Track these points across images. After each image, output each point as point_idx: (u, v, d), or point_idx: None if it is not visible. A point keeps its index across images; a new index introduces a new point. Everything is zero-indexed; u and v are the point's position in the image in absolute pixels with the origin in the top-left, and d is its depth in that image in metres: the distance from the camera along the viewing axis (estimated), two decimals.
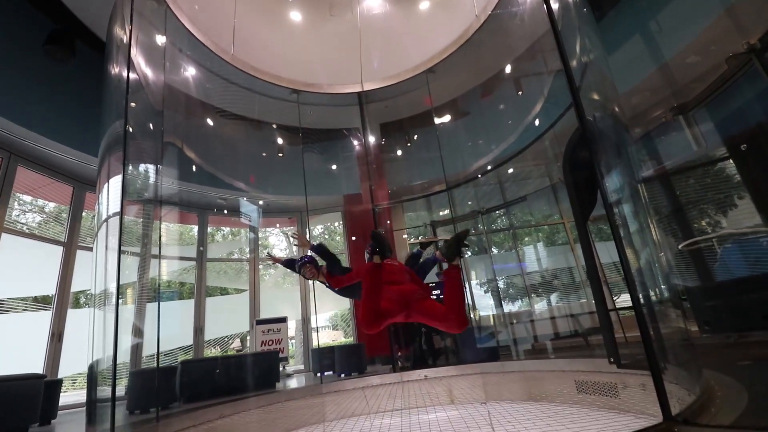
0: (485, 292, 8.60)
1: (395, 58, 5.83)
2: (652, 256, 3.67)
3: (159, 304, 5.98)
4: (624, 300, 7.14)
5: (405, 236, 8.65)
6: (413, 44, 5.60)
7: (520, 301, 8.52)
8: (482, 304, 8.15)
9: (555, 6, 3.67)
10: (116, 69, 4.21)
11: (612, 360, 3.48)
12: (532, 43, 5.36)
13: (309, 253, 3.32)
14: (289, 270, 3.41)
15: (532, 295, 7.96)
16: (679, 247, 4.27)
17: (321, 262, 3.24)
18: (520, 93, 6.23)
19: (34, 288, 6.78)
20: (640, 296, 2.75)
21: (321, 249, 3.18)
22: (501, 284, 8.41)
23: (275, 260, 3.57)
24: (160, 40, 5.00)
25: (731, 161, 5.11)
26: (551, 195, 7.11)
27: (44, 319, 6.36)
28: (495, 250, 9.65)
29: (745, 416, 1.55)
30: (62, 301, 6.49)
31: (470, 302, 7.57)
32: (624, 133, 4.44)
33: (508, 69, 6.18)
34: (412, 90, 6.40)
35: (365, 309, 2.21)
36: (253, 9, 5.32)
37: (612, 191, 3.08)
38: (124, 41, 4.02)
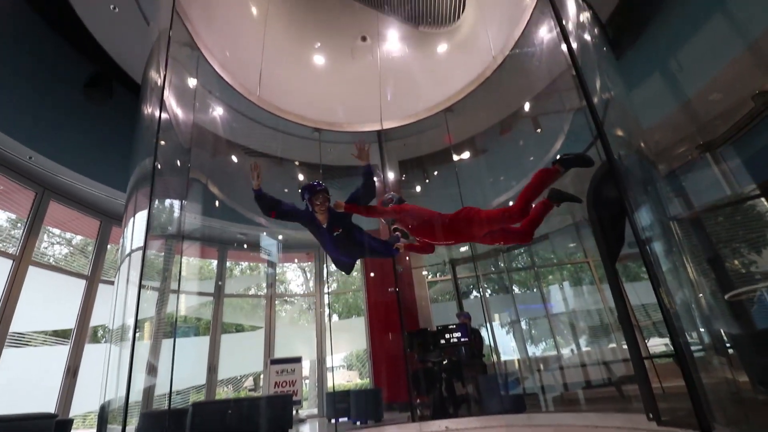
0: (507, 333, 8.24)
1: (414, 98, 5.98)
2: (689, 298, 3.43)
3: (174, 341, 5.92)
4: (655, 344, 6.70)
5: (425, 272, 8.48)
6: (431, 85, 5.74)
7: (544, 343, 8.12)
8: (505, 347, 7.78)
9: (574, 45, 3.72)
10: (149, 109, 4.40)
11: (651, 416, 3.18)
12: (550, 81, 5.42)
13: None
14: (286, 217, 3.09)
15: (558, 337, 7.56)
16: (726, 297, 3.99)
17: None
18: (539, 131, 6.23)
19: (55, 321, 6.85)
20: (681, 342, 2.54)
21: (372, 170, 2.95)
22: (524, 324, 8.07)
23: (256, 172, 3.08)
24: (192, 82, 5.28)
25: (763, 199, 4.88)
26: (574, 233, 6.91)
27: (61, 353, 6.36)
28: (517, 289, 9.32)
29: None
30: (80, 335, 6.50)
31: (492, 344, 7.24)
32: (651, 169, 4.33)
33: (526, 107, 6.23)
34: (431, 128, 6.50)
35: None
36: (279, 54, 5.61)
37: (641, 228, 2.95)
38: (159, 84, 4.24)
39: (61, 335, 6.92)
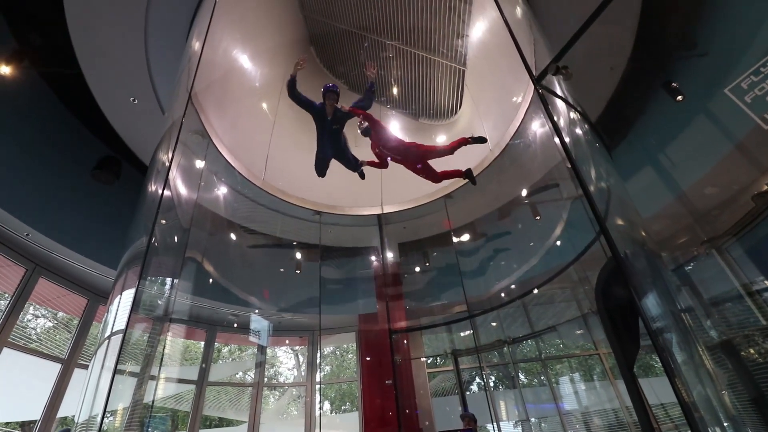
0: (514, 427, 7.55)
1: (414, 185, 6.12)
2: (709, 395, 3.12)
3: None
4: None
5: (423, 359, 7.97)
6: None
7: None
8: None
9: (567, 140, 3.87)
10: (153, 188, 4.43)
11: None
12: (546, 171, 5.59)
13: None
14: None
15: None
16: None
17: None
18: (538, 218, 6.29)
19: (22, 412, 6.22)
20: None
21: (374, 87, 4.24)
22: (533, 419, 7.39)
23: (300, 63, 4.04)
24: (199, 164, 5.43)
25: None
26: (582, 323, 6.62)
27: None
28: (523, 377, 8.71)
29: None
30: (45, 427, 5.87)
31: None
32: (656, 259, 4.23)
33: (524, 194, 6.37)
34: (430, 213, 6.57)
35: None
36: (286, 142, 5.88)
37: (651, 318, 2.77)
38: (166, 165, 4.32)
39: (29, 427, 6.25)
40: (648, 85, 5.11)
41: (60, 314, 7.44)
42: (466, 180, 5.10)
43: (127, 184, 6.46)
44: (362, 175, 5.02)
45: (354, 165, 4.80)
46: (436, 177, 4.65)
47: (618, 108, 5.42)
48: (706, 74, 4.29)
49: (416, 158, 4.58)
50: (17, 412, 6.23)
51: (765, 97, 3.04)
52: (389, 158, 4.66)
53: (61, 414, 6.22)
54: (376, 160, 4.73)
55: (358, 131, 4.58)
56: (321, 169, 4.82)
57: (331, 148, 4.60)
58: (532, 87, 3.25)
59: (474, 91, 5.63)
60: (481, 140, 4.53)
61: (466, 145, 4.46)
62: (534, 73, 2.90)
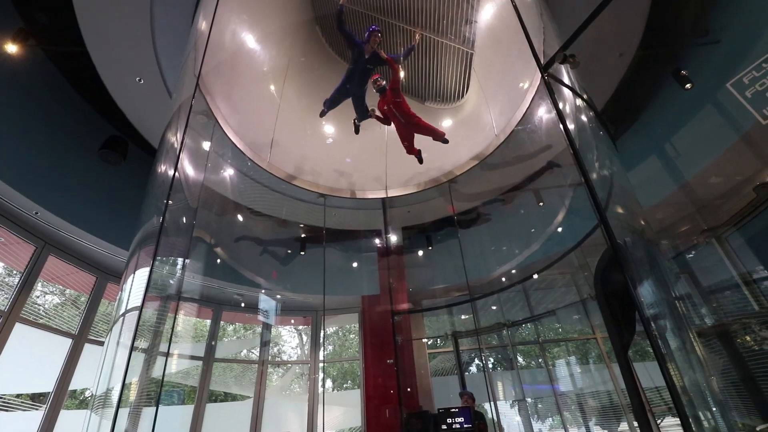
0: (511, 407, 7.79)
1: (419, 169, 6.16)
2: (699, 380, 3.24)
3: (157, 411, 5.53)
4: (668, 424, 6.33)
5: (424, 340, 8.17)
6: (436, 157, 5.94)
7: (551, 419, 7.65)
8: (510, 423, 7.30)
9: (571, 127, 3.88)
10: (162, 169, 4.47)
11: None
12: (552, 158, 5.61)
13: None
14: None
15: (566, 413, 7.11)
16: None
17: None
18: (541, 204, 6.34)
19: (34, 384, 6.44)
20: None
21: (413, 49, 4.88)
22: (529, 399, 7.63)
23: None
24: (206, 146, 5.47)
25: None
26: (581, 307, 6.75)
27: (34, 419, 5.91)
28: (521, 359, 8.93)
29: None
30: (57, 400, 6.09)
31: (495, 422, 6.80)
32: (653, 247, 4.30)
33: (529, 181, 6.40)
34: (434, 198, 6.62)
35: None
36: (291, 123, 5.90)
37: (647, 304, 2.86)
38: (174, 149, 4.35)
39: (39, 399, 6.47)
40: (657, 73, 5.07)
41: (68, 291, 7.60)
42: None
43: (133, 164, 6.50)
44: (357, 130, 5.39)
45: (364, 112, 5.13)
46: (412, 150, 5.31)
47: (626, 95, 5.39)
48: (715, 64, 4.25)
49: (412, 128, 5.08)
50: (30, 384, 6.44)
51: (765, 93, 3.02)
52: (391, 120, 5.10)
53: (72, 387, 6.46)
54: (382, 116, 5.15)
55: (373, 89, 4.90)
56: (332, 104, 5.06)
57: (355, 86, 4.88)
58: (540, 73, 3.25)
59: (481, 76, 5.61)
60: (444, 141, 5.10)
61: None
62: (542, 60, 2.90)
